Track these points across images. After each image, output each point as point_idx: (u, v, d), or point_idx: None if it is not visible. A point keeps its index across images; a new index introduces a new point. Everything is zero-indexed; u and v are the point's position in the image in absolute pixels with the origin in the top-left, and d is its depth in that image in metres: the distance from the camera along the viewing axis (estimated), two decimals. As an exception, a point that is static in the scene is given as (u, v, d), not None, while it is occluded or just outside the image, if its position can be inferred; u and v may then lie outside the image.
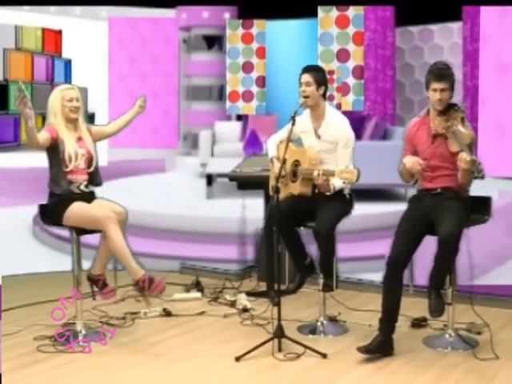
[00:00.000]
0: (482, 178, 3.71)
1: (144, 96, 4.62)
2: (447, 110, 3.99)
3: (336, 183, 4.19)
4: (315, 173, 4.11)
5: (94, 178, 4.41)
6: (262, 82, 6.73)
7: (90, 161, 4.36)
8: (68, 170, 4.25)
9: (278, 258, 4.18)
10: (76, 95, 4.33)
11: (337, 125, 4.36)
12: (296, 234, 4.43)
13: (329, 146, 4.35)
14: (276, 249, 4.25)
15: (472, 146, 3.92)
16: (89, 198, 4.37)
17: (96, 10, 8.99)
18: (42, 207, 4.42)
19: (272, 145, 4.58)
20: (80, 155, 4.29)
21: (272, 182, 4.49)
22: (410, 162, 4.03)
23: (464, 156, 3.73)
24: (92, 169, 4.37)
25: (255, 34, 6.69)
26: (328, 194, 4.23)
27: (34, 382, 3.74)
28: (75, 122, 4.36)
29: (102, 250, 4.37)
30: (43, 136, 4.19)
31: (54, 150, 4.24)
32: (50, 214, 4.31)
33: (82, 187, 4.33)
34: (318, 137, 4.39)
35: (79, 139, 4.34)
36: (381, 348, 3.95)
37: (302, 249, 4.46)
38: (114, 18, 7.89)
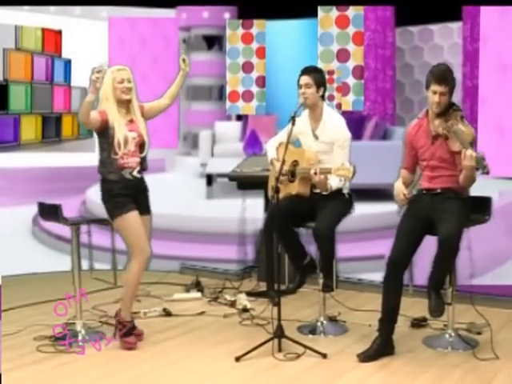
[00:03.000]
0: (487, 173, 3.71)
1: (183, 55, 4.42)
2: (446, 110, 3.99)
3: (333, 183, 4.19)
4: (312, 171, 4.11)
5: (142, 162, 4.29)
6: (262, 81, 6.73)
7: (141, 144, 4.23)
8: (118, 156, 4.13)
9: (278, 258, 4.18)
10: (127, 76, 4.18)
11: (334, 125, 4.37)
12: (295, 236, 4.42)
13: (326, 147, 4.35)
14: (276, 249, 4.25)
15: (473, 144, 3.92)
16: (141, 185, 4.27)
17: (96, 10, 8.99)
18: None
19: (271, 148, 4.59)
20: (130, 139, 4.15)
21: (271, 184, 4.49)
22: (397, 188, 4.09)
23: (469, 152, 3.71)
24: (144, 154, 4.24)
25: (255, 34, 6.68)
26: (325, 193, 4.24)
27: (33, 382, 3.74)
28: (128, 104, 4.22)
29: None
30: (93, 116, 4.10)
31: (103, 134, 4.13)
32: (105, 204, 4.20)
33: (135, 173, 4.20)
34: (316, 137, 4.40)
35: (131, 121, 4.20)
36: (380, 352, 3.95)
37: (301, 250, 4.46)
38: (114, 18, 7.89)
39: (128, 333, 4.21)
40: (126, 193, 4.15)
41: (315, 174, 4.10)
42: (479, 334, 4.30)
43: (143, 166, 4.28)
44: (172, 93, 4.46)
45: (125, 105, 4.21)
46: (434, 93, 3.95)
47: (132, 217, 4.14)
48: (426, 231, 4.02)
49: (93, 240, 4.48)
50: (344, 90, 6.25)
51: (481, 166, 3.67)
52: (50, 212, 4.36)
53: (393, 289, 3.96)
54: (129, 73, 4.21)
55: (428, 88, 3.99)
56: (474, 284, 4.85)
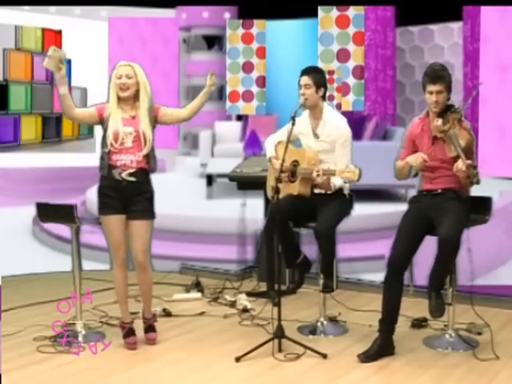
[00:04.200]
0: (477, 183, 3.72)
1: (211, 71, 4.31)
2: (444, 111, 3.97)
3: (336, 182, 4.18)
4: (314, 173, 4.09)
5: (148, 162, 4.12)
6: (262, 82, 6.72)
7: (143, 141, 4.08)
8: (107, 150, 4.05)
9: (278, 258, 4.18)
10: (126, 72, 4.06)
11: (334, 124, 4.35)
12: (293, 236, 4.42)
13: (327, 146, 4.34)
14: (276, 249, 4.24)
15: (470, 148, 3.90)
16: (135, 190, 4.08)
17: (96, 10, 8.99)
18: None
19: (270, 145, 4.57)
20: (122, 133, 4.03)
21: (270, 183, 4.47)
22: (414, 157, 4.00)
23: (459, 166, 3.73)
24: (144, 152, 4.07)
25: (255, 34, 6.67)
26: (329, 192, 4.23)
27: (33, 382, 3.74)
28: (130, 101, 4.12)
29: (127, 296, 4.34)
30: (86, 112, 4.10)
31: (103, 128, 4.09)
32: (98, 201, 4.17)
33: (125, 175, 4.05)
34: (316, 137, 4.39)
35: (133, 118, 4.09)
36: (380, 353, 3.95)
37: (297, 250, 4.45)
38: (114, 18, 7.89)
39: (128, 334, 4.22)
40: (111, 194, 4.08)
41: (318, 175, 4.07)
42: (479, 334, 4.30)
43: (151, 166, 4.14)
44: (193, 106, 4.33)
45: (126, 101, 4.13)
46: (431, 93, 3.95)
47: (111, 221, 4.10)
48: (426, 232, 4.01)
49: (94, 240, 4.48)
50: (344, 90, 6.24)
51: (471, 175, 3.68)
52: (63, 212, 4.28)
53: (393, 289, 3.96)
54: (130, 69, 4.10)
55: (424, 90, 3.99)
56: (475, 284, 4.85)
